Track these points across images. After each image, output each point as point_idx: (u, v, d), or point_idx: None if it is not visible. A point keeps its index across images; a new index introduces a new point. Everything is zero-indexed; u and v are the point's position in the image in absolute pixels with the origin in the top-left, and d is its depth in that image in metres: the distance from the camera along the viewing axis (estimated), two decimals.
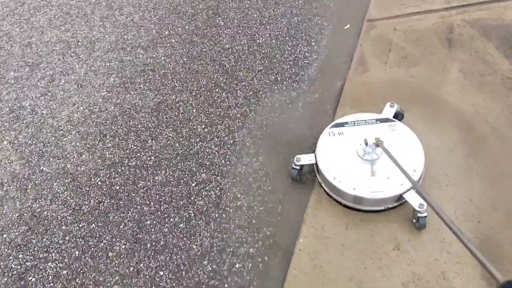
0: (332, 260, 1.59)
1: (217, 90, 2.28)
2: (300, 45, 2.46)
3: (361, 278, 1.53)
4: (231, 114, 2.16)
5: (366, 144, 1.66)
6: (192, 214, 1.82)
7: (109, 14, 2.84)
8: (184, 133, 2.11)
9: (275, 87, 2.26)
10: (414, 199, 1.55)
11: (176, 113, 2.20)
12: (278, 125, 2.10)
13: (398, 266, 1.54)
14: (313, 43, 2.45)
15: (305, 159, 1.75)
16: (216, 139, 2.07)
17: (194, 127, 2.13)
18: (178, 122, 2.16)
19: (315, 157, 1.75)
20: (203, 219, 1.80)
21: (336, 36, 2.49)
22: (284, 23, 2.60)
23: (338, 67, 2.30)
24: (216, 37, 2.57)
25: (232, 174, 1.93)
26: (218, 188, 1.89)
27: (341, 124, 1.81)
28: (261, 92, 2.24)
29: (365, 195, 1.59)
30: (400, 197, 1.61)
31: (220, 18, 2.68)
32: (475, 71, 2.11)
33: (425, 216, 1.54)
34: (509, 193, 1.67)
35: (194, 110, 2.20)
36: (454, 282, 1.48)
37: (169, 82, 2.35)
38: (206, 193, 1.88)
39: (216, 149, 2.03)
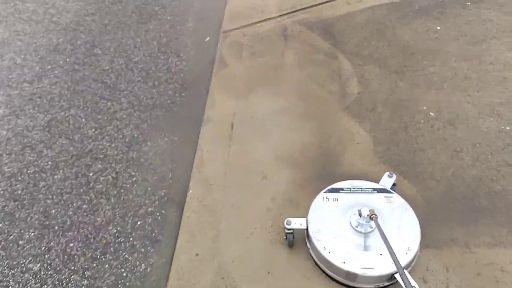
0: (216, 198, 1.96)
1: (102, 101, 2.61)
2: (171, 58, 2.92)
3: (240, 204, 1.91)
4: (118, 117, 2.49)
5: (360, 215, 1.56)
6: (93, 196, 2.07)
7: None
8: (76, 138, 2.38)
9: (154, 91, 2.66)
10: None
11: (67, 125, 2.46)
12: (161, 117, 2.48)
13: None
14: (181, 55, 2.94)
15: (296, 223, 1.66)
16: (107, 137, 2.37)
17: (86, 132, 2.41)
18: (70, 132, 2.42)
19: (307, 222, 1.66)
20: (104, 197, 2.06)
21: (200, 47, 3.01)
22: (155, 44, 3.06)
23: (204, 67, 2.80)
24: (96, 63, 2.92)
25: (125, 160, 2.24)
26: (114, 172, 2.17)
27: (337, 190, 1.75)
28: (142, 96, 2.62)
29: (355, 271, 1.50)
30: (392, 277, 1.51)
31: (97, 49, 3.05)
32: (305, 53, 2.75)
33: None
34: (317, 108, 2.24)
35: (84, 120, 2.49)
36: None
37: (57, 103, 2.62)
38: (103, 178, 2.15)
39: (108, 144, 2.33)
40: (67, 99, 2.64)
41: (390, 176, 1.80)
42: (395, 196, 1.71)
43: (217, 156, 2.15)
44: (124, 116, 2.49)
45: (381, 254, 1.52)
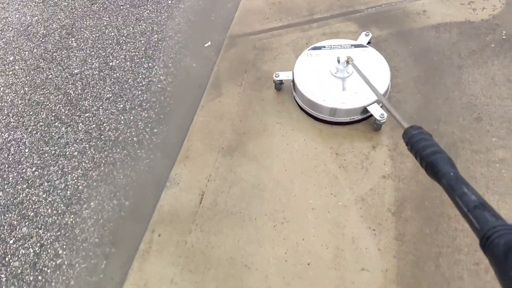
0: None
1: (56, 124, 2.06)
2: (156, 67, 2.27)
3: None
4: (67, 153, 1.95)
5: (339, 61, 1.79)
6: (4, 279, 1.61)
7: None
8: (10, 178, 1.88)
9: (122, 118, 2.06)
10: (376, 111, 1.69)
11: (6, 155, 1.96)
12: (119, 164, 1.91)
13: None
14: (170, 65, 2.27)
15: (283, 75, 1.89)
16: (46, 183, 1.85)
17: (24, 170, 1.90)
18: (6, 166, 1.92)
19: (293, 74, 1.87)
20: (16, 284, 1.59)
21: (196, 56, 2.32)
22: (142, 41, 2.40)
23: (193, 89, 2.14)
24: (65, 60, 2.33)
25: (57, 225, 1.73)
26: (38, 244, 1.68)
27: (319, 48, 1.95)
28: (105, 125, 2.04)
29: (334, 106, 1.72)
30: (364, 110, 1.73)
31: (73, 39, 2.44)
32: None
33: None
34: None
35: (27, 150, 1.97)
36: None
37: (4, 117, 2.10)
38: (24, 251, 1.67)
39: (44, 195, 1.82)
40: (18, 113, 2.11)
41: (366, 35, 2.00)
42: (370, 49, 1.92)
43: (171, 247, 1.60)
44: (75, 153, 1.94)
45: (356, 93, 1.74)
